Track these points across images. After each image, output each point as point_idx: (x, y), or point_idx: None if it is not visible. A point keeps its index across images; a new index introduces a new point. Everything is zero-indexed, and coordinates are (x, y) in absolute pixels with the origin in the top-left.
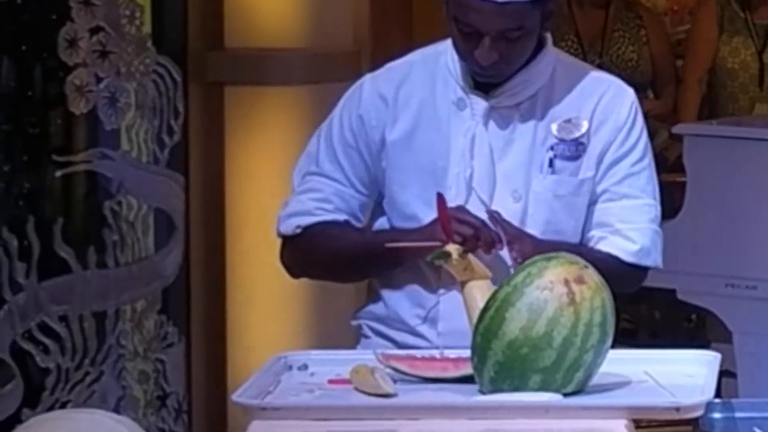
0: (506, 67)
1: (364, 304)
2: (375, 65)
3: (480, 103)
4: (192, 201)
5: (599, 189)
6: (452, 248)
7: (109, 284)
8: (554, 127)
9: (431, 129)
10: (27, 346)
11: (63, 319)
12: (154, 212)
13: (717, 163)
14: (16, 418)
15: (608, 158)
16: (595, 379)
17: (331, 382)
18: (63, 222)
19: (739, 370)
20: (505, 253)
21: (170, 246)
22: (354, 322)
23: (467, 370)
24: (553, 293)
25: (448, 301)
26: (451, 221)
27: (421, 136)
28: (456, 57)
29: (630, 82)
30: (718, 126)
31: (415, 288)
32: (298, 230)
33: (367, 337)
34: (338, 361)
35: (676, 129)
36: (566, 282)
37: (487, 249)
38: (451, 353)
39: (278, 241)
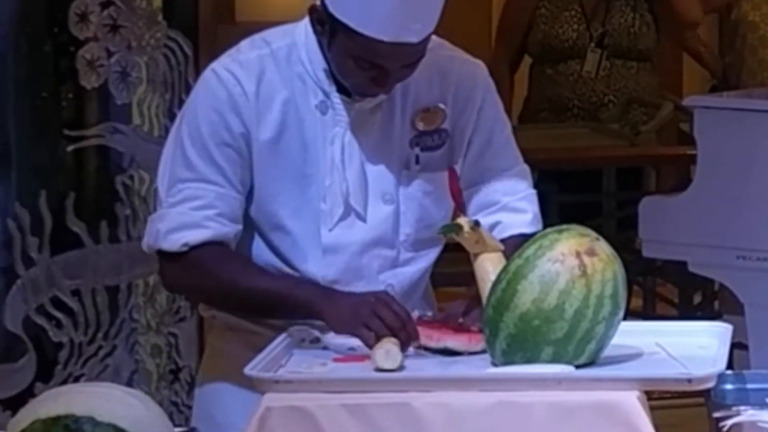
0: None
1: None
2: None
3: (346, 108)
4: None
5: (477, 170)
6: (463, 221)
7: (121, 258)
8: (415, 119)
9: (296, 133)
10: (40, 320)
11: (75, 293)
12: None
13: (727, 135)
14: (29, 392)
15: (477, 140)
16: (607, 351)
17: (336, 360)
18: (75, 196)
19: (751, 342)
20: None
21: None
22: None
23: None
24: (564, 265)
25: None
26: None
27: (286, 141)
28: (314, 58)
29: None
30: (728, 98)
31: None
32: (185, 248)
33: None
34: None
35: (687, 101)
36: (578, 254)
37: (403, 344)
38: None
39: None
